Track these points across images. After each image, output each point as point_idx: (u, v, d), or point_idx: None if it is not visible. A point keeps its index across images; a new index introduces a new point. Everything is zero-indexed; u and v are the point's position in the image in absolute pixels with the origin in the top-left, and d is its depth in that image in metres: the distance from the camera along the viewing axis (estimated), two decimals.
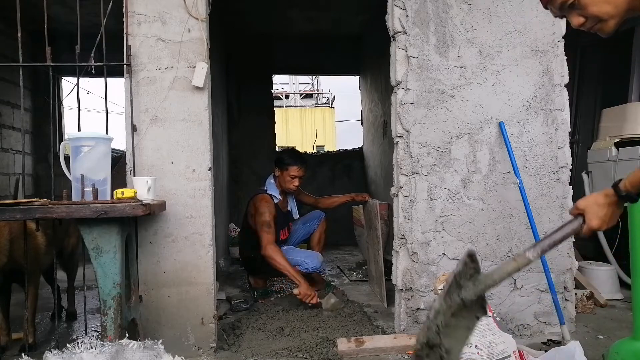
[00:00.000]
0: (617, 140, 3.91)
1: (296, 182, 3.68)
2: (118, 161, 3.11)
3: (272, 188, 3.73)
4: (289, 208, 3.88)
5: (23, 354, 1.99)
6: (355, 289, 3.93)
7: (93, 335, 1.90)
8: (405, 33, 2.66)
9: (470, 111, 2.70)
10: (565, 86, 2.78)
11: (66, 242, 3.09)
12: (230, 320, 3.06)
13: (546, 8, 1.27)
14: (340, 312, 3.17)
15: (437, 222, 2.67)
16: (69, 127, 7.93)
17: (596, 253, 3.81)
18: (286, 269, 3.35)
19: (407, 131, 2.66)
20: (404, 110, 2.67)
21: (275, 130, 6.91)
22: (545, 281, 2.64)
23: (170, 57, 2.50)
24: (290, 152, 3.90)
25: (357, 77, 7.47)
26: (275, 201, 3.69)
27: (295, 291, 3.26)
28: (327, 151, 9.04)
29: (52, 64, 2.42)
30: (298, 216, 3.97)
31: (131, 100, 2.47)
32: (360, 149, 7.33)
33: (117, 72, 2.62)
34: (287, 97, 21.40)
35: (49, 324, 3.14)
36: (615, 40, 4.58)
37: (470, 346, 2.11)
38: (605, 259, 3.70)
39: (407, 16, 2.65)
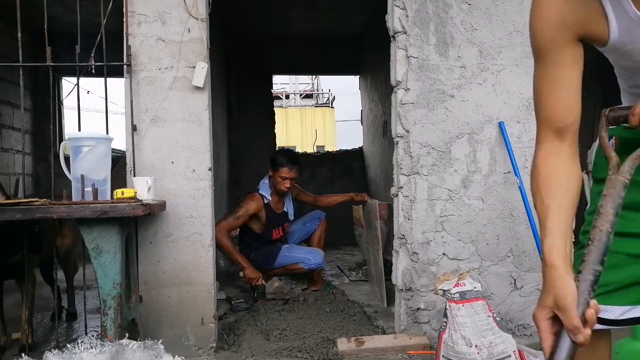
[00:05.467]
0: None
1: (287, 184, 3.66)
2: (118, 161, 3.11)
3: (264, 188, 3.73)
4: (284, 209, 3.86)
5: (23, 354, 1.99)
6: (355, 289, 3.93)
7: (93, 335, 1.90)
8: (405, 33, 2.66)
9: (470, 111, 2.70)
10: None
11: (59, 243, 3.06)
12: (230, 320, 3.05)
13: None
14: (341, 312, 3.17)
15: (437, 222, 2.67)
16: (69, 127, 7.94)
17: None
18: (229, 251, 3.50)
19: (407, 131, 2.66)
20: (404, 110, 2.67)
21: (275, 130, 6.91)
22: None
23: (170, 57, 2.50)
24: (283, 152, 3.87)
25: (357, 77, 7.47)
26: (266, 202, 3.68)
27: (241, 273, 3.45)
28: (327, 151, 9.04)
29: (52, 64, 2.42)
30: (293, 217, 3.96)
31: (131, 100, 2.47)
32: (360, 149, 7.33)
33: (117, 72, 2.62)
34: (287, 97, 21.40)
35: (49, 324, 3.14)
36: None
37: (470, 346, 2.11)
38: None
39: (407, 16, 2.65)
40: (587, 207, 1.28)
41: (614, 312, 1.15)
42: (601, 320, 1.15)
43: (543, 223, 0.97)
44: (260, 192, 3.71)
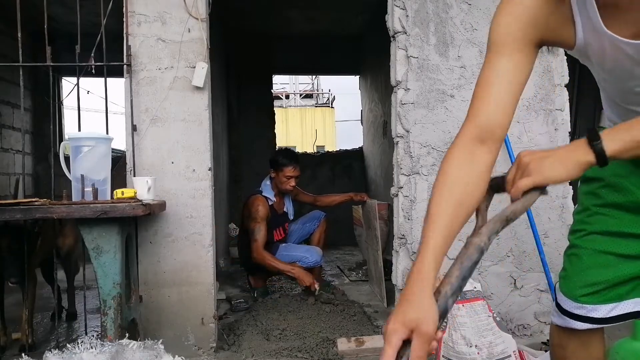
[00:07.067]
0: None
1: (292, 182, 3.68)
2: (118, 161, 3.11)
3: (267, 190, 3.73)
4: (285, 209, 3.86)
5: (23, 354, 1.99)
6: (355, 289, 3.93)
7: (93, 335, 1.90)
8: (405, 33, 2.66)
9: None
10: (565, 86, 2.78)
11: (61, 243, 3.06)
12: (230, 320, 3.06)
13: None
14: (341, 312, 3.17)
15: None
16: (69, 127, 7.94)
17: None
18: (278, 267, 3.51)
19: (407, 131, 2.66)
20: (404, 110, 2.67)
21: (275, 130, 6.91)
22: (546, 281, 2.64)
23: (170, 57, 2.50)
24: (284, 152, 3.86)
25: (357, 77, 7.47)
26: (270, 203, 3.68)
27: (300, 281, 3.48)
28: (327, 151, 9.04)
29: (52, 64, 2.42)
30: (293, 217, 3.96)
31: (131, 100, 2.47)
32: (360, 149, 7.33)
33: (117, 72, 2.62)
34: (287, 97, 21.40)
35: (49, 324, 3.14)
36: None
37: (470, 346, 2.11)
38: None
39: (407, 16, 2.65)
40: (576, 207, 1.29)
41: (600, 310, 1.17)
42: (590, 320, 1.18)
43: (430, 228, 0.93)
44: (264, 194, 3.70)
